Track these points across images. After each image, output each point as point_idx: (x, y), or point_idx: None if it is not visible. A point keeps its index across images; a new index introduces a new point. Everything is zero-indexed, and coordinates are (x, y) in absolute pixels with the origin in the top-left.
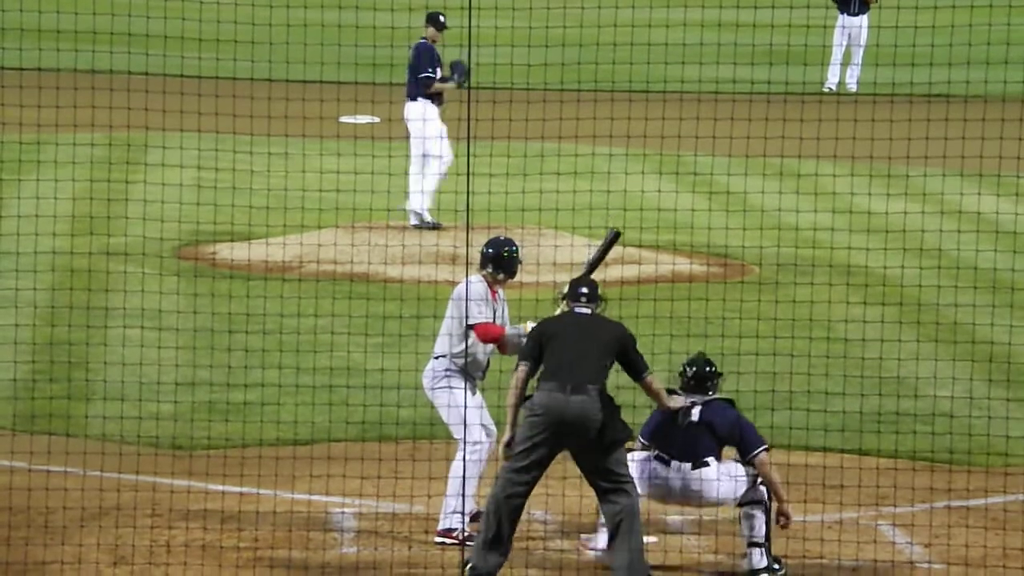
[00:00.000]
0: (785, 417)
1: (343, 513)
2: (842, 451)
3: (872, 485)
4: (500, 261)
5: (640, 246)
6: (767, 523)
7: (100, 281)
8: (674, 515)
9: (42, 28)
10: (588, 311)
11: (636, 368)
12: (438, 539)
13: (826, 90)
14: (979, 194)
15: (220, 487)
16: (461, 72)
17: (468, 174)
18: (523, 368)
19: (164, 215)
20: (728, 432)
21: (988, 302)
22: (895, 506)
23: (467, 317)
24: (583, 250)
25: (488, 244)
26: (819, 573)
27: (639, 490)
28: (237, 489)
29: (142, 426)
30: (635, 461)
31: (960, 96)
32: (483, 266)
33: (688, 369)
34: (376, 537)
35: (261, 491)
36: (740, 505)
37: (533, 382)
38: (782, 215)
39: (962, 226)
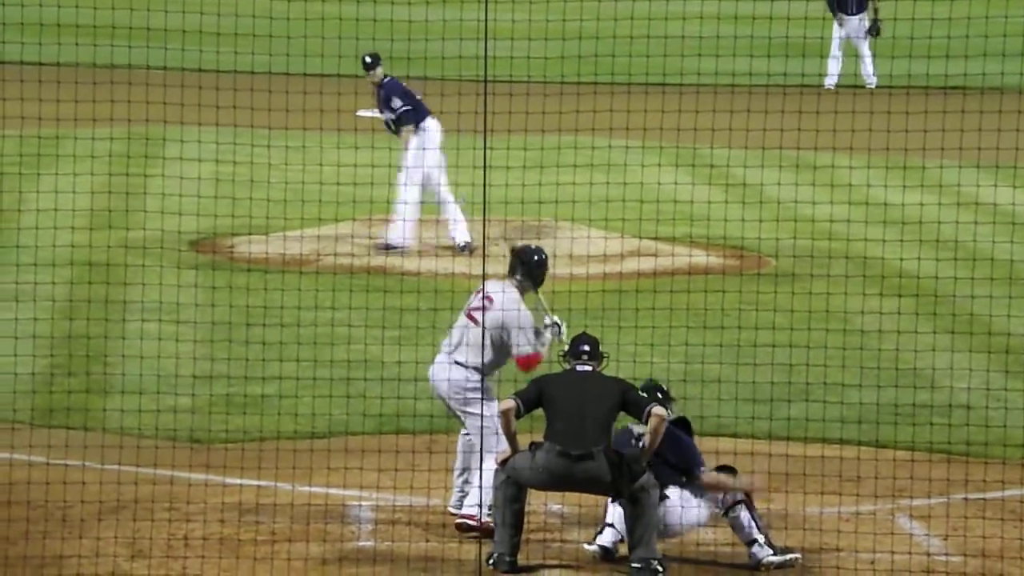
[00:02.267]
0: (802, 409)
1: (360, 506)
2: (859, 443)
3: (889, 477)
4: (531, 271)
5: (656, 238)
6: (754, 518)
7: (118, 275)
8: None
9: (61, 23)
10: (589, 368)
11: (639, 409)
12: (460, 520)
13: (827, 87)
14: (995, 186)
15: (238, 480)
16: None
17: (484, 167)
18: (513, 403)
19: (182, 209)
20: (677, 458)
21: (1005, 293)
22: (912, 498)
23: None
24: (600, 242)
25: (524, 252)
26: (836, 565)
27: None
28: (255, 482)
29: (160, 419)
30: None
31: (976, 88)
32: (512, 272)
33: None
34: (393, 530)
35: (279, 484)
36: (724, 514)
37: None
38: (798, 207)
39: (979, 217)
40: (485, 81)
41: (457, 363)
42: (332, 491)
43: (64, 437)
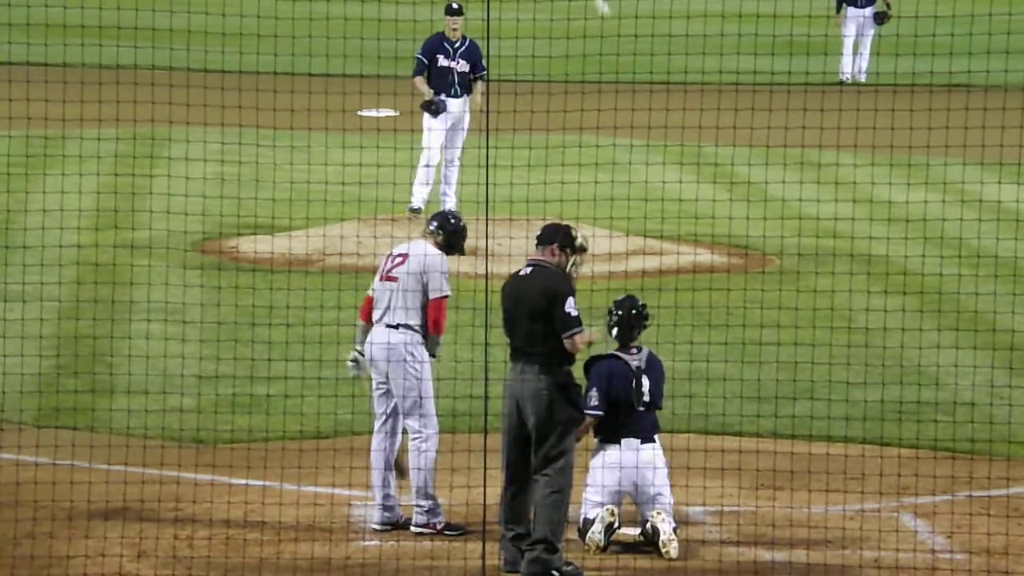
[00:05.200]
0: (806, 407)
1: (365, 506)
2: (863, 441)
3: (893, 475)
4: (446, 234)
5: (661, 237)
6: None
7: (123, 275)
8: (696, 506)
9: (67, 24)
10: (530, 269)
11: (561, 330)
12: (415, 530)
13: (842, 80)
14: (999, 183)
15: (243, 480)
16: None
17: (488, 166)
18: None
19: (187, 209)
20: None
21: (1009, 291)
22: (916, 496)
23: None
24: (604, 241)
25: (442, 215)
26: (841, 563)
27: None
28: (260, 482)
29: (165, 420)
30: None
31: (980, 85)
32: (437, 235)
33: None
34: (398, 529)
35: (284, 485)
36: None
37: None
38: (802, 205)
39: (982, 215)
40: (488, 80)
41: (390, 326)
42: (337, 491)
43: (69, 438)
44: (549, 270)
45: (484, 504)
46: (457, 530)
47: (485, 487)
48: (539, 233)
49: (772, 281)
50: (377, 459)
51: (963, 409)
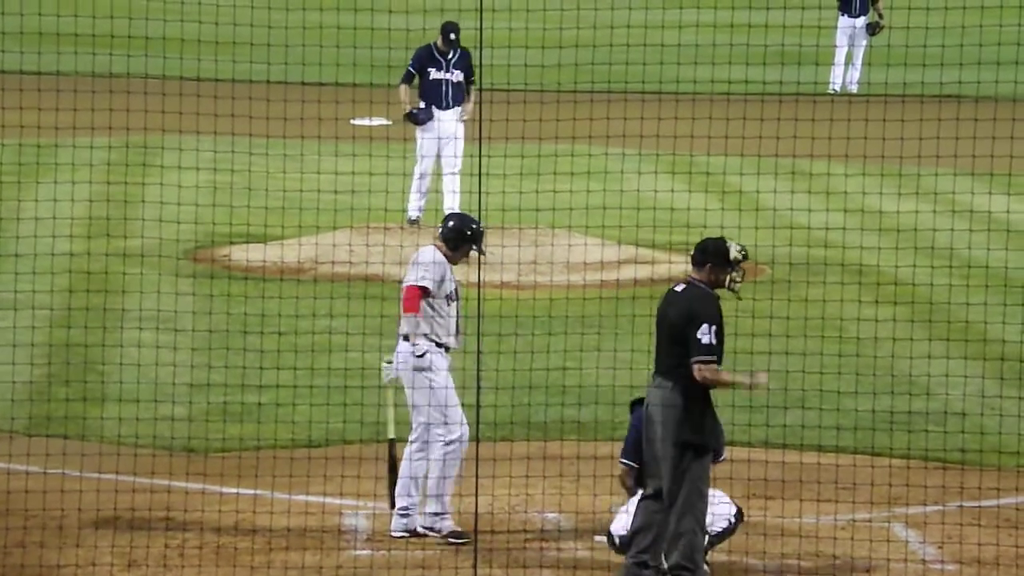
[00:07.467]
0: (798, 417)
1: (357, 514)
2: (854, 451)
3: (885, 485)
4: (448, 234)
5: (653, 246)
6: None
7: (115, 283)
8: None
9: (60, 32)
10: (683, 286)
11: (690, 352)
12: (421, 529)
13: (830, 91)
14: (990, 193)
15: (234, 489)
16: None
17: (480, 175)
18: None
19: (179, 217)
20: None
21: (999, 301)
22: (907, 506)
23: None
24: (596, 250)
25: (451, 218)
26: (832, 573)
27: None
28: (251, 491)
29: (156, 428)
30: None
31: (971, 96)
32: (438, 237)
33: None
34: (389, 538)
35: (275, 493)
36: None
37: None
38: (794, 215)
39: (973, 225)
40: (481, 89)
41: (402, 336)
42: (328, 500)
43: (60, 446)
44: (698, 290)
45: (476, 513)
46: (462, 538)
47: (477, 496)
48: (692, 253)
49: (763, 290)
50: (405, 468)
51: (954, 419)
